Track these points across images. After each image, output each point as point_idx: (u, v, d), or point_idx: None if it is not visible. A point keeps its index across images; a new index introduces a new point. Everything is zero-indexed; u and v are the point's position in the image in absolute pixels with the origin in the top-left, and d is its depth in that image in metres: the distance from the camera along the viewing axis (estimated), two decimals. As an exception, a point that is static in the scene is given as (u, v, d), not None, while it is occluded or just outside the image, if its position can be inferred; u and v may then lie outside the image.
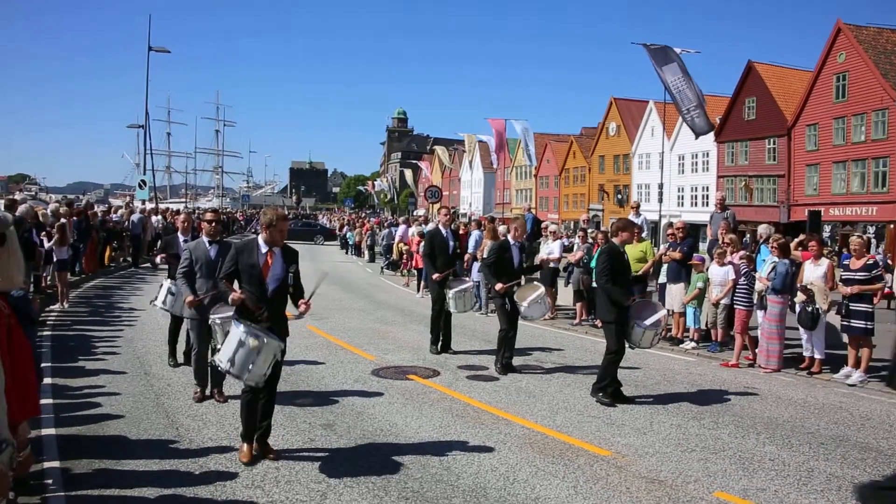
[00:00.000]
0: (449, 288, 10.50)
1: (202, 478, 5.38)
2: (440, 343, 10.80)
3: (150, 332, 11.36)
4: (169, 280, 8.81)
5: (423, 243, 12.04)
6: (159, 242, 10.11)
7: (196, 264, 7.50)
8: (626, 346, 8.24)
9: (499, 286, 9.42)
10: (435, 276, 10.69)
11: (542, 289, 10.13)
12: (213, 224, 7.73)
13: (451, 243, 11.03)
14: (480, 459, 6.00)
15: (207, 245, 7.61)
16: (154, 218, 26.73)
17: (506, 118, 47.91)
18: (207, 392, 7.63)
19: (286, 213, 4.82)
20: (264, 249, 5.79)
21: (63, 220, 14.62)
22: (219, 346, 7.24)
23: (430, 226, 20.20)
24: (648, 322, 8.22)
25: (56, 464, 5.50)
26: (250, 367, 5.40)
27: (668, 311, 12.27)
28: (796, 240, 12.47)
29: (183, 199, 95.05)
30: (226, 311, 6.94)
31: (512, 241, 9.83)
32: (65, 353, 9.56)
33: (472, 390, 8.50)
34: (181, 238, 9.08)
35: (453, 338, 10.93)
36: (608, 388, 8.06)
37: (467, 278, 12.16)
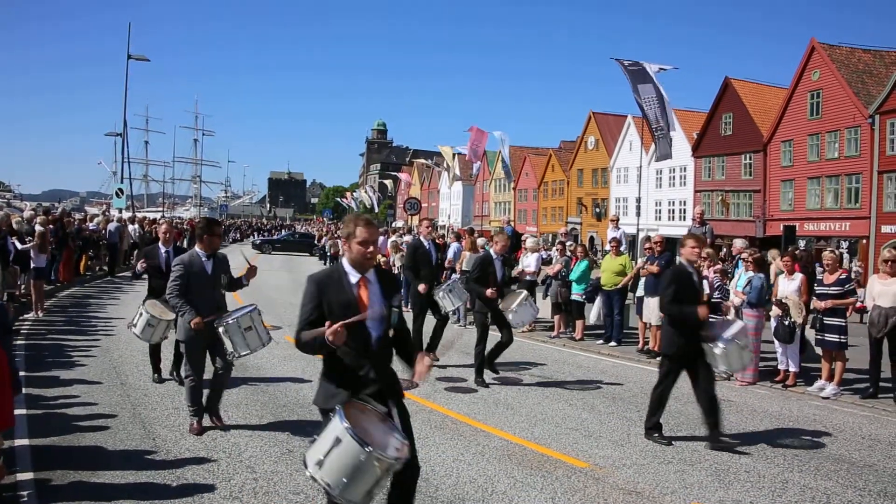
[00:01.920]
0: (436, 294, 10.49)
1: (179, 490, 5.33)
2: (426, 346, 10.58)
3: (126, 341, 11.24)
4: (147, 305, 8.16)
5: (404, 256, 11.79)
6: (136, 252, 9.71)
7: (191, 281, 6.67)
8: (715, 374, 7.27)
9: (489, 291, 9.26)
10: (421, 287, 10.49)
11: (525, 292, 10.06)
12: (217, 238, 6.94)
13: (434, 255, 10.95)
14: (459, 471, 6.02)
15: (204, 259, 6.78)
16: (130, 227, 26.51)
17: (486, 131, 47.92)
18: (206, 422, 6.88)
19: (372, 218, 4.11)
20: (355, 278, 4.05)
21: (41, 228, 14.46)
22: (234, 353, 6.69)
23: (408, 237, 20.24)
24: (728, 334, 7.02)
25: (30, 475, 5.42)
26: (347, 482, 3.48)
27: (647, 323, 12.39)
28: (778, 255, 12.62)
29: (160, 208, 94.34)
30: (235, 313, 6.81)
31: (495, 255, 9.69)
32: (39, 363, 9.44)
33: (451, 402, 8.51)
34: (162, 249, 8.61)
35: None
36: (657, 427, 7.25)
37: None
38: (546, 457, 6.53)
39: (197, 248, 6.86)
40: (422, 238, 11.09)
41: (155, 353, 8.77)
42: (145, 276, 8.80)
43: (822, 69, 37.51)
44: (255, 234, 63.91)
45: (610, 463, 6.41)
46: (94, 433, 6.60)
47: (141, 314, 8.13)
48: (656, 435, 7.15)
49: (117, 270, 23.25)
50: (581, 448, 6.84)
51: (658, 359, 11.71)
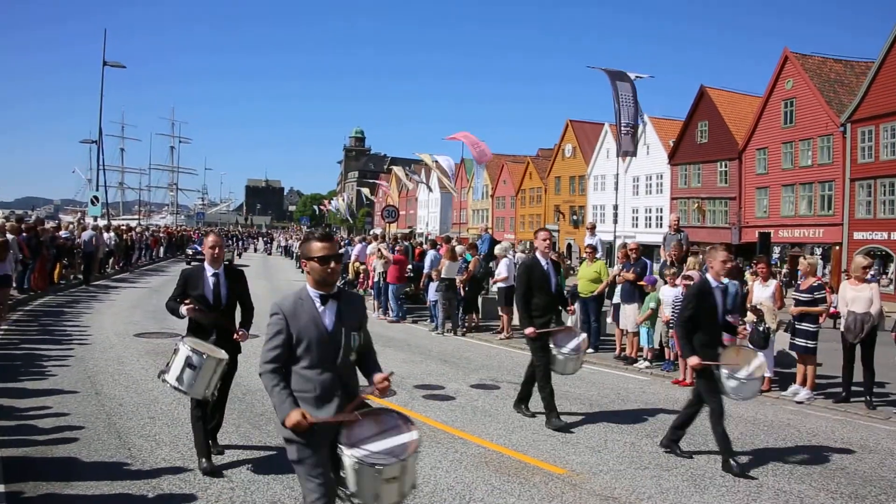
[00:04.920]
0: (557, 344, 7.90)
1: (156, 500, 5.28)
2: (521, 398, 8.50)
3: (101, 350, 11.13)
4: (188, 340, 5.76)
5: (516, 280, 8.54)
6: (183, 278, 6.25)
7: (300, 345, 3.68)
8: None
9: (693, 361, 6.61)
10: (528, 330, 7.88)
11: (762, 358, 7.07)
12: (334, 265, 3.77)
13: (554, 279, 8.14)
14: (436, 478, 6.01)
15: (317, 302, 3.76)
16: (106, 235, 26.27)
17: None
18: None
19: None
20: None
21: (9, 235, 14.26)
22: (353, 497, 3.51)
23: (376, 244, 20.15)
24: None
25: (0, 487, 5.34)
26: None
27: (623, 330, 12.48)
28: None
29: (136, 216, 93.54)
30: (371, 437, 3.57)
31: (714, 283, 6.77)
32: (11, 373, 9.29)
33: (428, 409, 8.50)
34: (209, 271, 6.09)
35: (413, 360, 10.83)
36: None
37: (576, 330, 8.70)
38: (523, 463, 6.55)
39: (308, 285, 3.83)
40: (538, 255, 8.18)
41: (202, 421, 5.93)
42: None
43: (795, 78, 38.11)
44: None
45: (587, 469, 6.45)
46: (68, 444, 6.51)
47: (176, 351, 5.67)
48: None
49: (92, 279, 23.05)
50: (558, 454, 6.86)
51: (634, 364, 11.83)
